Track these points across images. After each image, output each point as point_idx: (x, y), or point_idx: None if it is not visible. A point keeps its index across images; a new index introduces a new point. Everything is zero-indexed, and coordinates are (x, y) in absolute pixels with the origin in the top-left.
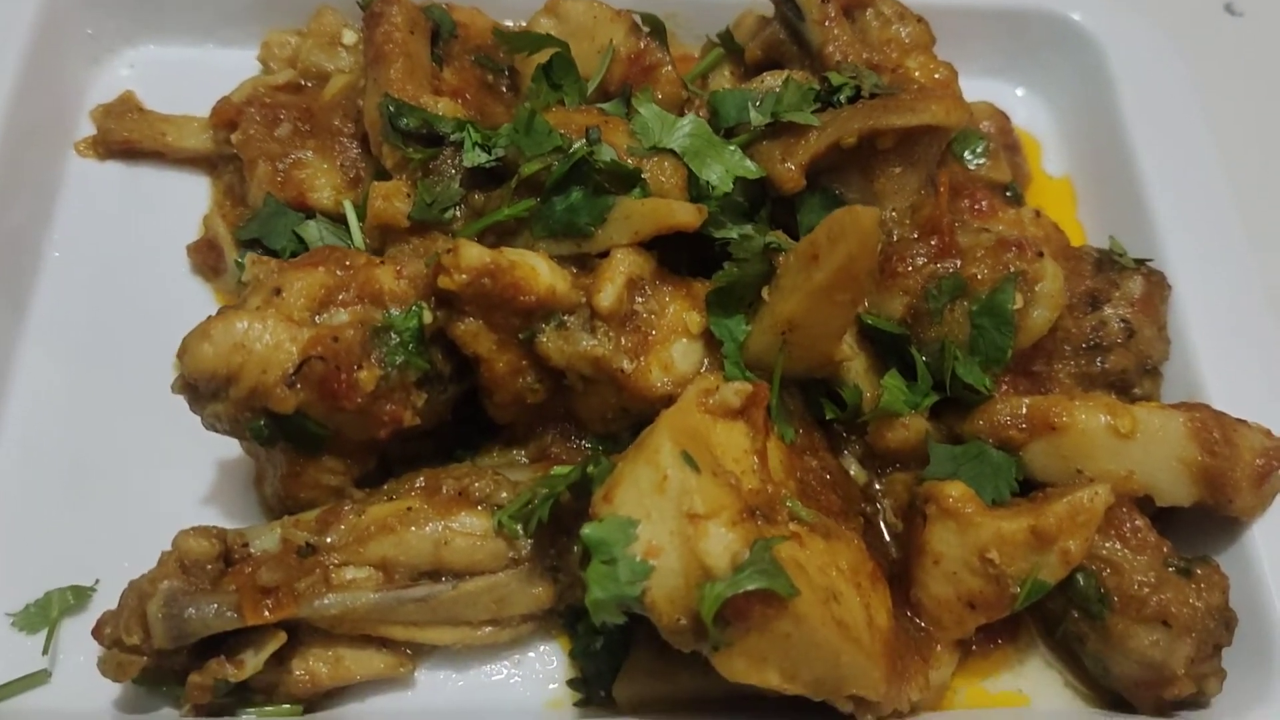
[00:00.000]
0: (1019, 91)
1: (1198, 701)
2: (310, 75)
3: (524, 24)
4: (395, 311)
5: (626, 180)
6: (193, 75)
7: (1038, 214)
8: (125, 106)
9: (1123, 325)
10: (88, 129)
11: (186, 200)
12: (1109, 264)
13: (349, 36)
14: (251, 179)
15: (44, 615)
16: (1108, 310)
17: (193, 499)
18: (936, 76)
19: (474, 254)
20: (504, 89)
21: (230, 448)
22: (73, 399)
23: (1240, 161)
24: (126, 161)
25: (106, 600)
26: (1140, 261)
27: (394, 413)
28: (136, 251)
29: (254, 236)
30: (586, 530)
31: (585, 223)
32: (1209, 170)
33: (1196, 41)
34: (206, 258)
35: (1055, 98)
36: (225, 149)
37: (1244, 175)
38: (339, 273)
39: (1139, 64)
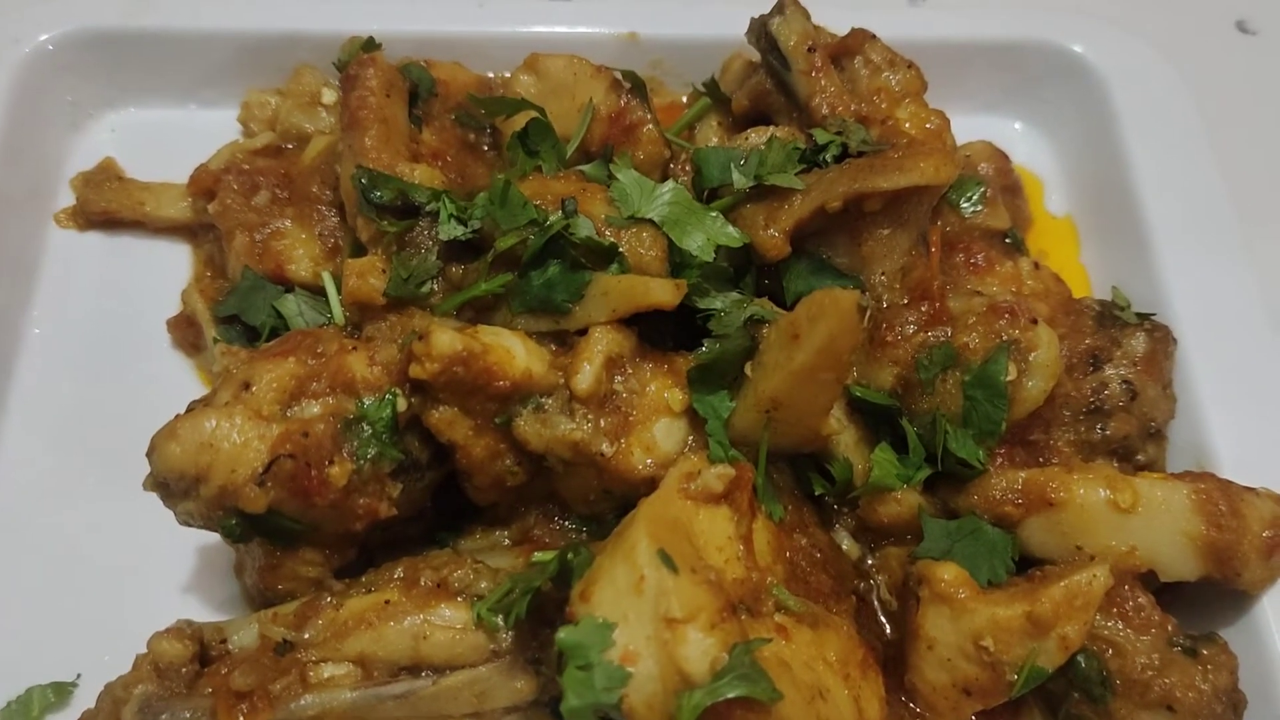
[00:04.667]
0: (1018, 126)
1: None
2: (290, 137)
3: (507, 75)
4: (368, 400)
5: (603, 255)
6: (175, 137)
7: (1036, 265)
8: (105, 175)
9: (1125, 387)
10: (68, 198)
11: (168, 270)
12: (1110, 319)
13: (328, 96)
14: (230, 250)
15: (25, 713)
16: (1109, 371)
17: (175, 587)
18: (928, 127)
19: (445, 341)
20: (485, 148)
21: (211, 535)
22: (54, 483)
23: (1251, 196)
24: (107, 231)
25: (88, 695)
26: (1144, 316)
27: (369, 506)
28: (118, 327)
29: (232, 312)
30: (562, 635)
31: (563, 299)
32: (1218, 210)
33: (1207, 62)
34: (186, 334)
35: (1056, 133)
36: (204, 218)
37: (1255, 212)
38: (310, 361)
39: (1144, 97)
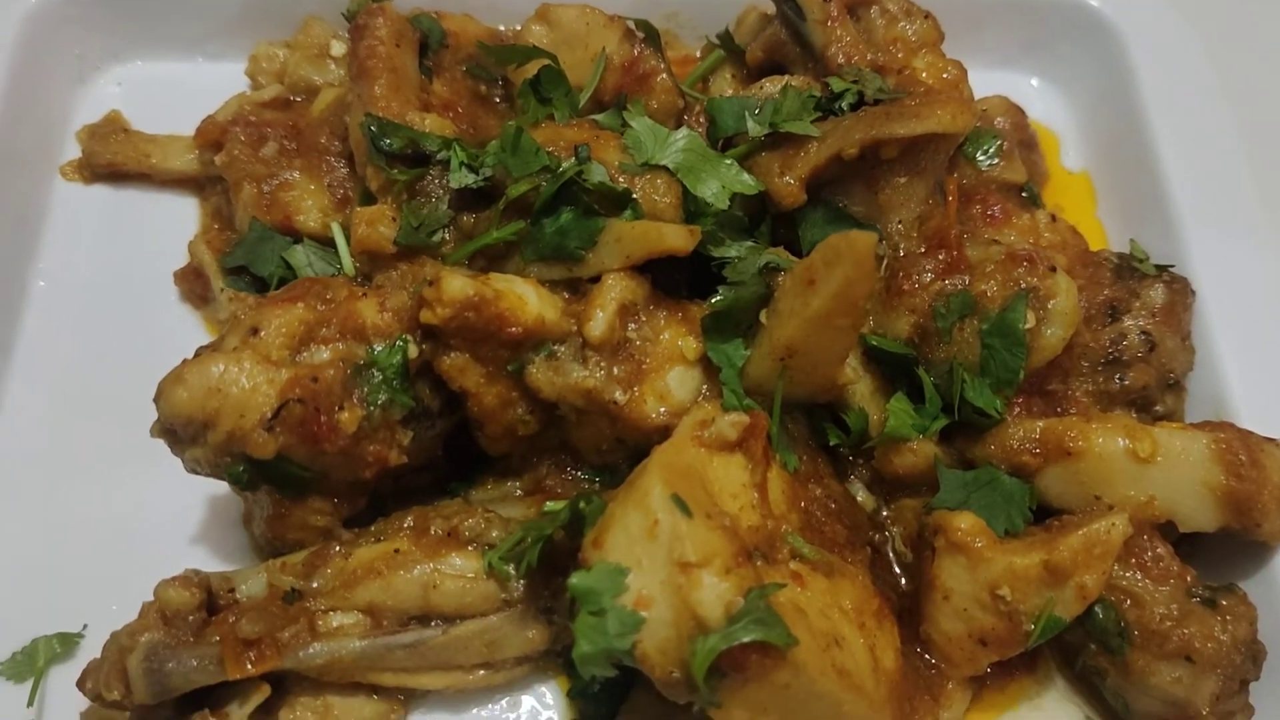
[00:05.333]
0: (1034, 82)
1: None
2: (298, 89)
3: (517, 28)
4: (378, 347)
5: (617, 201)
6: (182, 91)
7: (1054, 218)
8: (111, 127)
9: (1143, 338)
10: (74, 151)
11: (174, 223)
12: (1129, 271)
13: (337, 48)
14: (237, 202)
15: (30, 664)
16: (1128, 322)
17: (182, 538)
18: (945, 76)
19: (457, 286)
20: (497, 100)
21: (219, 485)
22: (60, 435)
23: (1267, 153)
24: (113, 184)
25: (95, 646)
26: (1162, 268)
27: (378, 453)
28: (124, 279)
29: (240, 264)
30: (574, 580)
31: (575, 246)
32: (1234, 165)
33: (1218, 22)
34: (194, 285)
35: (1073, 89)
36: (211, 170)
37: (1272, 169)
38: (319, 307)
39: (1160, 52)
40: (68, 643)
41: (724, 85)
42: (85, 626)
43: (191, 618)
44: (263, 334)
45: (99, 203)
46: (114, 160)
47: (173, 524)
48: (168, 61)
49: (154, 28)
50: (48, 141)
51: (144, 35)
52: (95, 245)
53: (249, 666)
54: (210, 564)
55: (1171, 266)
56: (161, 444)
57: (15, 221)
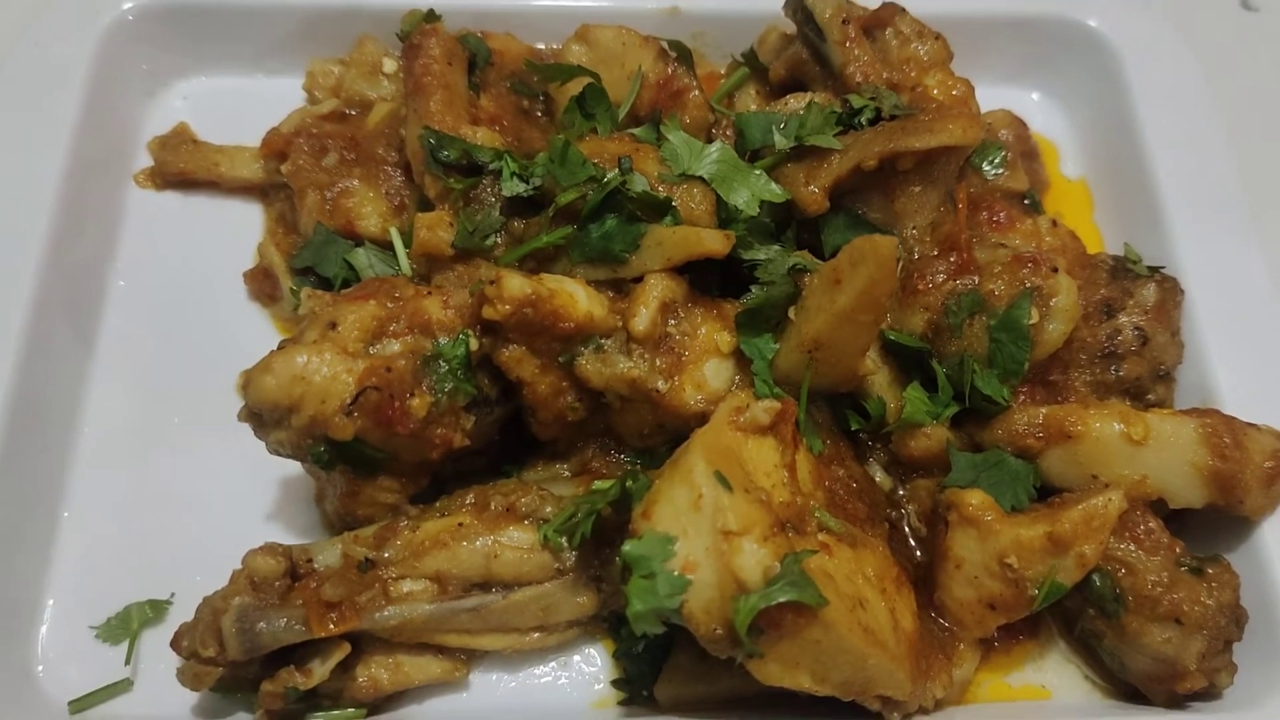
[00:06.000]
0: (1035, 96)
1: (1209, 694)
2: (353, 103)
3: (556, 47)
4: (443, 340)
5: (658, 208)
6: (243, 104)
7: (1054, 223)
8: (180, 138)
9: (1137, 333)
10: (145, 160)
11: (241, 227)
12: (1123, 272)
13: (389, 65)
14: (302, 208)
15: (125, 628)
16: (1122, 318)
17: (258, 515)
18: (954, 93)
19: (516, 285)
20: (539, 114)
21: (293, 467)
22: (141, 423)
23: (1255, 161)
24: (183, 191)
25: (182, 612)
26: (1154, 269)
27: (445, 436)
28: (196, 279)
29: (307, 264)
30: (627, 547)
31: (620, 250)
32: (1223, 172)
33: (1211, 39)
34: (263, 285)
35: (1071, 102)
36: (276, 178)
37: (1258, 176)
38: (389, 304)
39: (1154, 67)
40: (158, 609)
41: (748, 101)
42: (173, 595)
43: (277, 584)
44: (340, 328)
45: (170, 208)
46: (184, 169)
47: (249, 503)
48: (230, 77)
49: (217, 46)
50: (122, 151)
51: (208, 53)
52: (168, 247)
53: (331, 626)
54: (284, 539)
55: (1163, 268)
56: (234, 428)
57: (96, 226)
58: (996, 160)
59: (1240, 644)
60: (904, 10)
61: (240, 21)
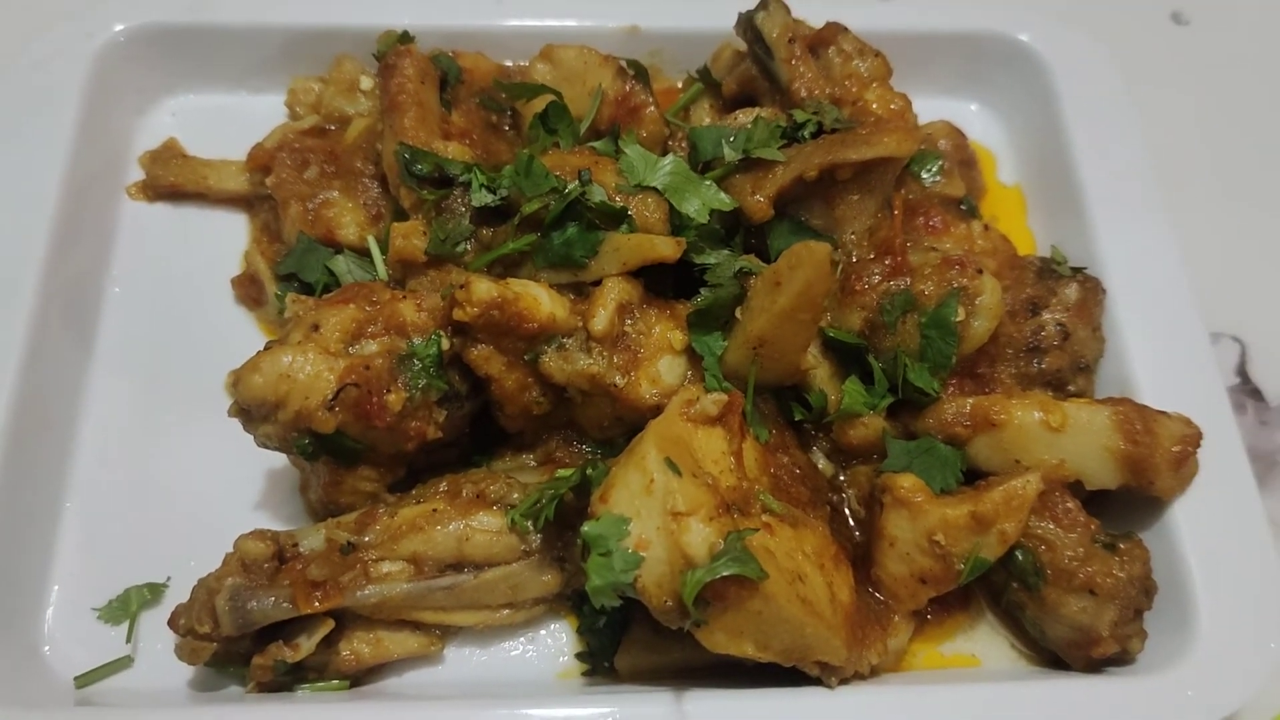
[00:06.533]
0: (974, 107)
1: (1123, 659)
2: (333, 119)
3: (523, 64)
4: (417, 340)
5: (615, 217)
6: (229, 120)
7: (987, 227)
8: (169, 153)
9: (1059, 329)
10: (137, 174)
11: (228, 236)
12: (1049, 273)
13: (366, 83)
14: (285, 218)
15: (125, 609)
16: (1045, 315)
17: (247, 504)
18: (892, 107)
19: (484, 288)
20: (506, 128)
21: (279, 458)
22: (138, 419)
23: (1173, 168)
24: (173, 203)
25: (178, 594)
26: (1077, 270)
27: (419, 428)
28: (186, 285)
29: (290, 271)
30: (586, 528)
31: (580, 255)
32: (1144, 179)
33: (1142, 51)
34: (249, 290)
35: (1007, 112)
36: (261, 190)
37: (1178, 181)
38: (368, 308)
39: (1081, 80)
40: (156, 591)
41: (703, 114)
42: (169, 578)
43: (266, 565)
44: (322, 330)
45: (161, 219)
46: (174, 182)
47: (237, 493)
48: (216, 94)
49: (203, 66)
50: (115, 166)
51: (195, 72)
52: (160, 256)
53: (316, 604)
54: (272, 526)
55: (1085, 268)
56: (224, 423)
57: (92, 236)
58: (934, 168)
59: (1151, 613)
60: (846, 30)
61: (225, 42)
